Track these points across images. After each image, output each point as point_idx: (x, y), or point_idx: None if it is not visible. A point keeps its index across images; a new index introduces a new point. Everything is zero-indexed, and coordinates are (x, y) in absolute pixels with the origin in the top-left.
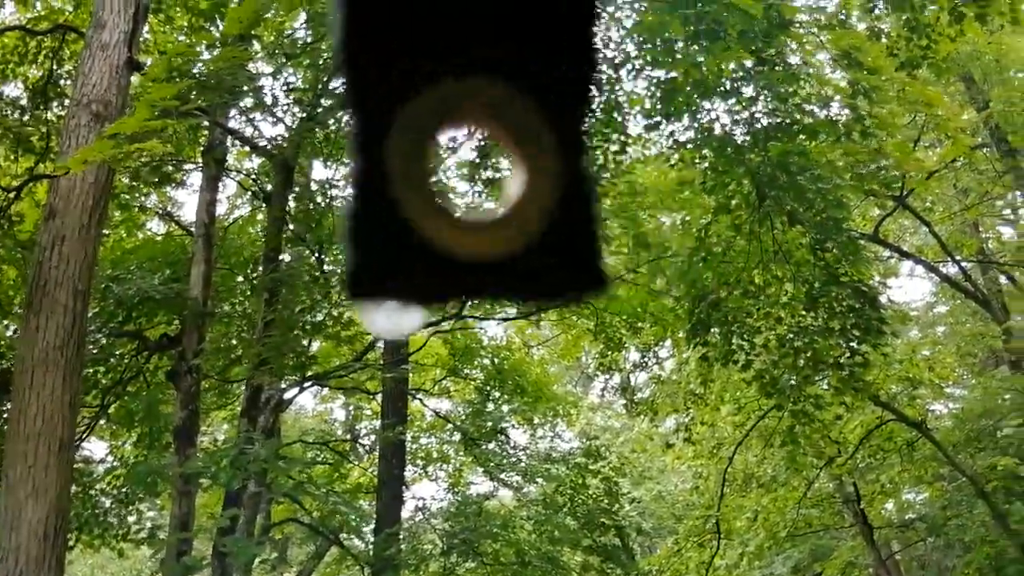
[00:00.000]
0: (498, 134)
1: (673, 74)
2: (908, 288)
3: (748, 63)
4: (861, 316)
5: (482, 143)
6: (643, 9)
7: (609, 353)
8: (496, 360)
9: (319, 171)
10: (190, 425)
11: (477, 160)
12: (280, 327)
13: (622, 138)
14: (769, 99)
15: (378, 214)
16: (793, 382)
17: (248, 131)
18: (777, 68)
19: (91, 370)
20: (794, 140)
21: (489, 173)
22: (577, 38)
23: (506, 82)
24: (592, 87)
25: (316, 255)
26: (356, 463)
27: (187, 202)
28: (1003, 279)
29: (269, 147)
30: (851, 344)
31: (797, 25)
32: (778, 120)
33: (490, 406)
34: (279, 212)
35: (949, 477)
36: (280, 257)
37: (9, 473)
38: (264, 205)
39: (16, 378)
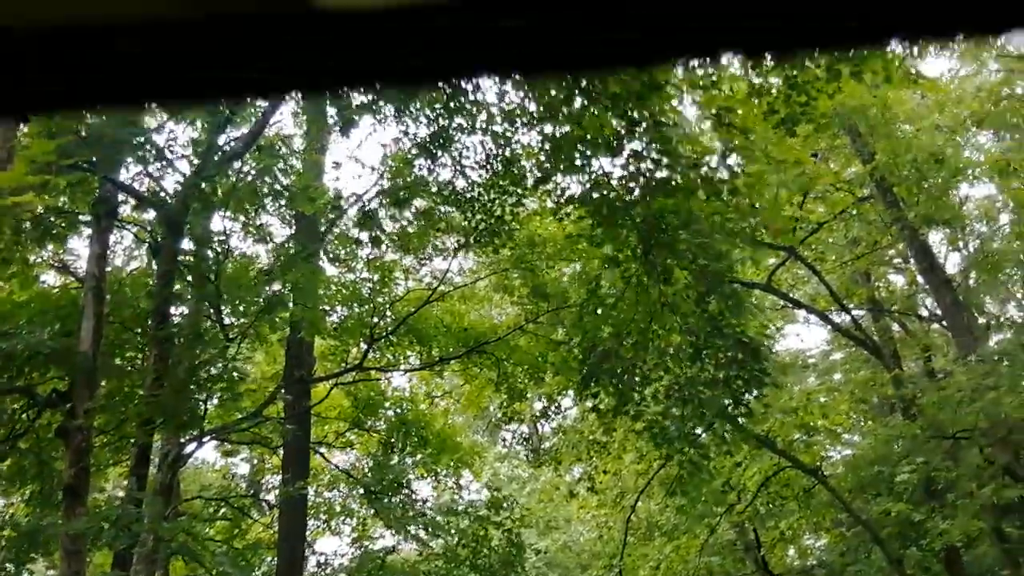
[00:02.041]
0: None
1: (562, 128)
2: (805, 335)
3: (625, 122)
4: (744, 367)
5: None
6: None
7: (512, 403)
8: (400, 411)
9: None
10: (79, 483)
11: None
12: (172, 383)
13: (519, 191)
14: (651, 155)
15: None
16: (679, 433)
17: (147, 183)
18: (653, 128)
19: None
20: (673, 196)
21: None
22: None
23: None
24: None
25: (212, 308)
26: (257, 519)
27: (85, 254)
28: (895, 327)
29: (157, 201)
30: (736, 394)
31: (671, 87)
32: (660, 177)
33: (394, 459)
34: (167, 266)
35: (846, 523)
36: (171, 311)
37: None
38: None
39: None
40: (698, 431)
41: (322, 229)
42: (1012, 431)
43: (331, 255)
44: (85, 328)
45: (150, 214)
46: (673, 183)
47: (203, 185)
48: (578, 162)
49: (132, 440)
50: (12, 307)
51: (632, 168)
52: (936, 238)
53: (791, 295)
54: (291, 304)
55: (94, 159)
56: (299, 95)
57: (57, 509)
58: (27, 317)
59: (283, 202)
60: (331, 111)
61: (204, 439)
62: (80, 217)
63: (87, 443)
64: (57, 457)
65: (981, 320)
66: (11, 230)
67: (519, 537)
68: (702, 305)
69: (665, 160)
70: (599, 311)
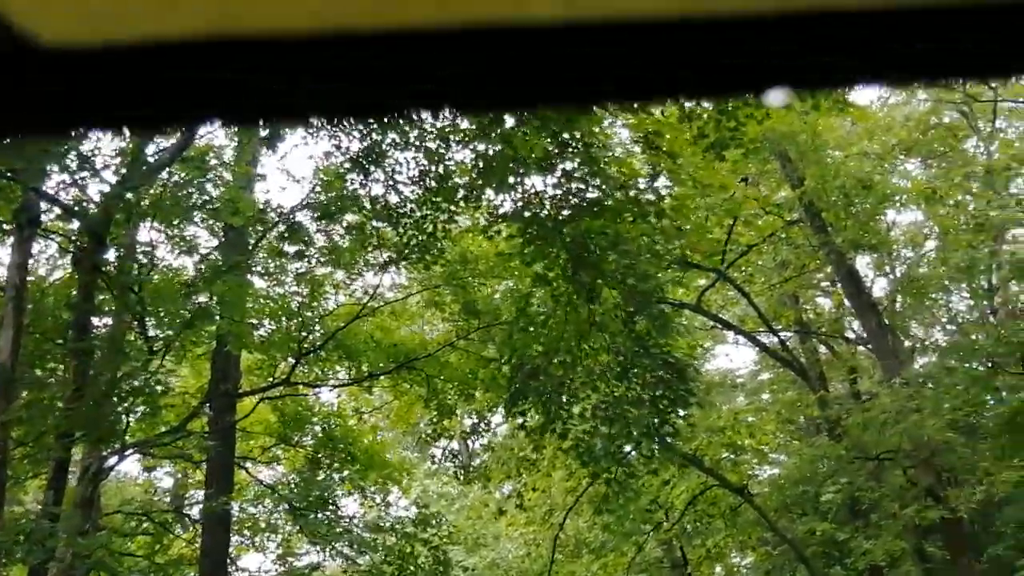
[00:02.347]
0: None
1: (494, 147)
2: (735, 355)
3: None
4: (670, 387)
5: None
6: None
7: (441, 420)
8: (327, 427)
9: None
10: None
11: None
12: (92, 395)
13: (451, 208)
14: (581, 176)
15: None
16: (605, 451)
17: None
18: (583, 151)
19: None
20: (600, 218)
21: None
22: None
23: None
24: None
25: (137, 320)
26: (180, 534)
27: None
28: (822, 349)
29: (80, 211)
30: (661, 414)
31: (600, 110)
32: (590, 197)
33: (320, 474)
34: (88, 277)
35: (772, 542)
36: (93, 323)
37: None
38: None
39: None
40: (626, 449)
41: (251, 242)
42: (934, 453)
43: (260, 268)
44: (4, 338)
45: (75, 224)
46: (601, 204)
47: (128, 195)
48: (511, 180)
49: (51, 451)
50: None
51: (563, 188)
52: (864, 262)
53: (720, 316)
54: (218, 317)
55: (17, 167)
56: (220, 122)
57: None
58: None
59: (210, 214)
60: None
61: (126, 453)
62: (2, 225)
63: (4, 455)
64: None
65: (907, 343)
66: None
67: (446, 554)
68: (630, 325)
69: (595, 181)
70: (530, 329)
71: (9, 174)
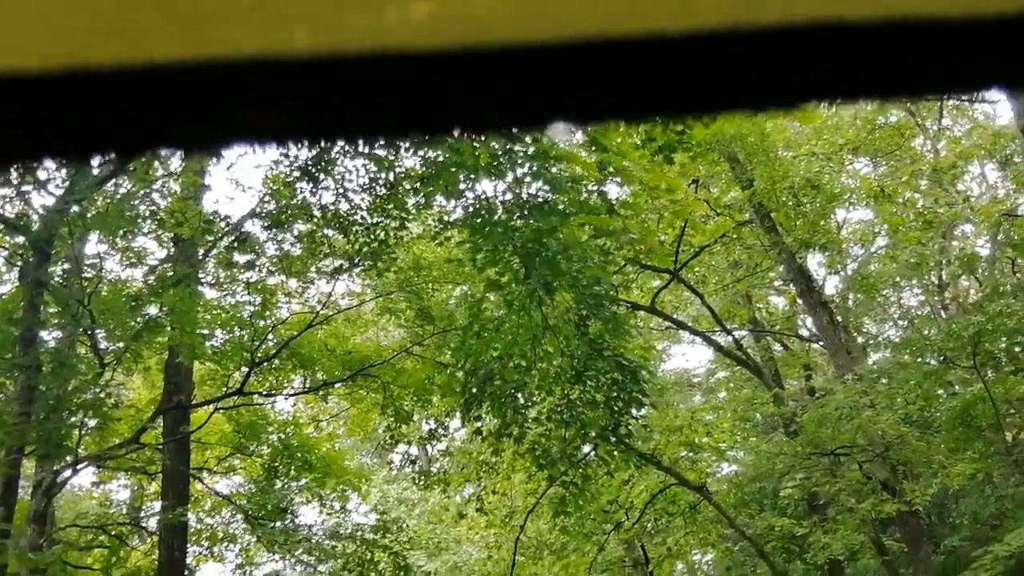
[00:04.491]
0: None
1: (443, 153)
2: (691, 355)
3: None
4: (624, 388)
5: None
6: None
7: (398, 425)
8: (283, 436)
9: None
10: None
11: None
12: (42, 409)
13: (402, 214)
14: (529, 178)
15: None
16: (561, 454)
17: (17, 205)
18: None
19: None
20: (549, 218)
21: None
22: None
23: None
24: None
25: (87, 333)
26: (136, 546)
27: None
28: (776, 346)
29: (23, 224)
30: (616, 415)
31: None
32: (538, 200)
33: (277, 483)
34: (32, 290)
35: (732, 538)
36: (40, 336)
37: None
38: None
39: None
40: (584, 450)
41: (200, 251)
42: (889, 447)
43: (210, 278)
44: None
45: (20, 238)
46: (551, 205)
47: (73, 208)
48: (461, 186)
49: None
50: None
51: (513, 192)
52: (815, 261)
53: (675, 316)
54: (168, 328)
55: None
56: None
57: None
58: None
59: (157, 225)
60: None
61: (79, 466)
62: None
63: None
64: None
65: (860, 340)
66: None
67: (406, 560)
68: (583, 328)
69: (544, 184)
70: (483, 334)
71: None
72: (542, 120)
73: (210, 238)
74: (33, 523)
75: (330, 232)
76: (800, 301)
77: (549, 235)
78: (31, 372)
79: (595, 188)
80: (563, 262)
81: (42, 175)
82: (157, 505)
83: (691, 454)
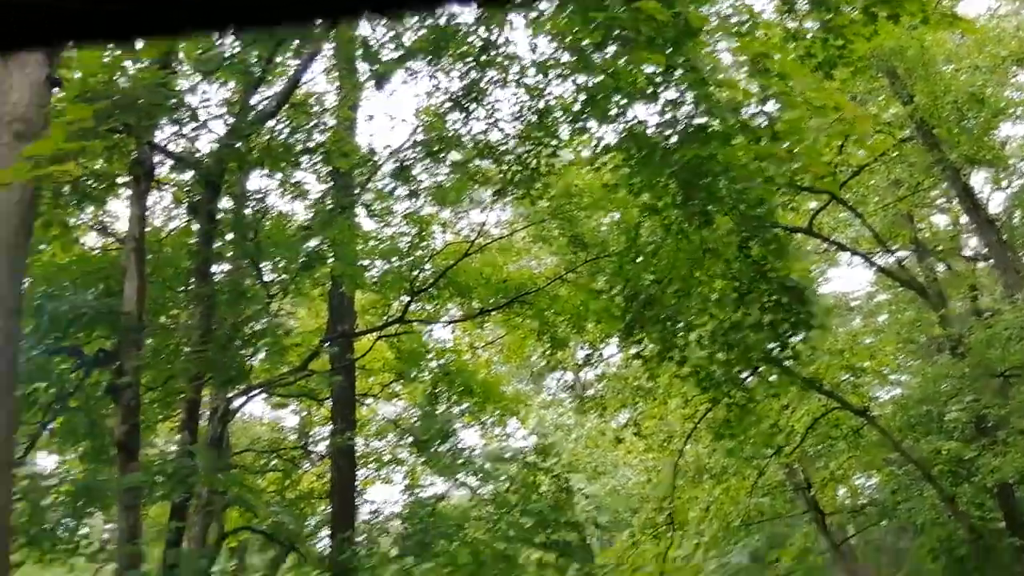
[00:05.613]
0: None
1: (596, 79)
2: (849, 277)
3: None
4: (790, 311)
5: None
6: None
7: (554, 352)
8: (443, 363)
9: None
10: (131, 439)
11: None
12: (217, 339)
13: (554, 142)
14: (688, 102)
15: None
16: (725, 377)
17: (182, 143)
18: (689, 74)
19: (30, 388)
20: (709, 144)
21: None
22: None
23: None
24: None
25: (254, 265)
26: (308, 469)
27: (125, 215)
28: (940, 267)
29: (193, 161)
30: (781, 338)
31: (706, 34)
32: (697, 123)
33: (439, 408)
34: (206, 225)
35: (897, 462)
36: (212, 269)
37: None
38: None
39: None
40: (744, 375)
41: (357, 184)
42: None
43: (368, 210)
44: (129, 288)
45: (188, 175)
46: (710, 129)
47: (238, 144)
48: (613, 111)
49: (181, 395)
50: (55, 270)
51: (669, 115)
52: (979, 177)
53: (833, 239)
54: (330, 259)
55: (129, 122)
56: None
57: (111, 465)
58: (70, 279)
59: (317, 159)
60: (362, 67)
61: (251, 393)
62: (118, 179)
63: (136, 400)
64: (107, 414)
65: None
66: (50, 193)
67: (567, 482)
68: (744, 251)
69: (702, 106)
70: (640, 259)
71: (122, 129)
72: None
73: (365, 171)
74: (211, 448)
75: (482, 162)
76: (965, 219)
77: (708, 161)
78: (208, 303)
79: (755, 111)
80: (724, 186)
81: (204, 114)
82: (326, 430)
83: (853, 378)
